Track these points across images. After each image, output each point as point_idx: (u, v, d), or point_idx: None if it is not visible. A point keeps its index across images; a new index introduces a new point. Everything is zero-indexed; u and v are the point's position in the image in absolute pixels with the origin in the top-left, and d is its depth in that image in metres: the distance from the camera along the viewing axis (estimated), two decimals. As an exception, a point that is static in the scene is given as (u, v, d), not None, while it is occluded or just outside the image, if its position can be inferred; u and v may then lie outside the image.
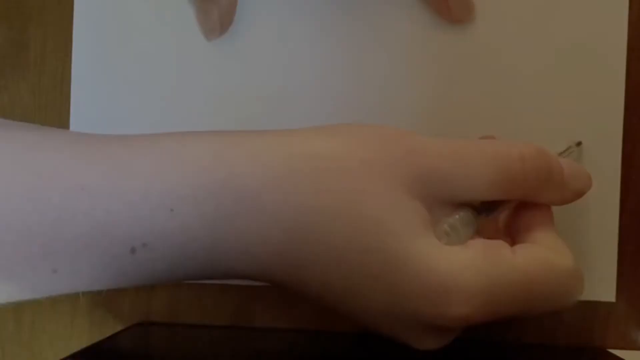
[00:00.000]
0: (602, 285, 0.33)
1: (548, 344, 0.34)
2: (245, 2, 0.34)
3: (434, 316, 0.24)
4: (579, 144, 0.33)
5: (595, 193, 0.33)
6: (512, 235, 0.28)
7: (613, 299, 0.33)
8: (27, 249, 0.23)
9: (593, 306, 0.34)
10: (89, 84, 0.35)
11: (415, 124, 0.34)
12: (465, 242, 0.26)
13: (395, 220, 0.24)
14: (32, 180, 0.23)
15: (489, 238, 0.26)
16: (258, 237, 0.24)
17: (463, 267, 0.24)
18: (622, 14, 0.33)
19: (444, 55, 0.34)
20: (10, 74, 0.36)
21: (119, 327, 0.35)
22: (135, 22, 0.35)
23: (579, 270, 0.26)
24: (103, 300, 0.35)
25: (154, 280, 0.25)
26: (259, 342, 0.34)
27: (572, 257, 0.26)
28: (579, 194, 0.29)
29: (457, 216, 0.26)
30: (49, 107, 0.36)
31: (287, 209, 0.24)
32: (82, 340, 0.35)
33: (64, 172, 0.23)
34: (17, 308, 0.35)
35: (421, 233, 0.24)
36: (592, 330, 0.34)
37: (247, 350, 0.33)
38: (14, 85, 0.36)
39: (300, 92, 0.34)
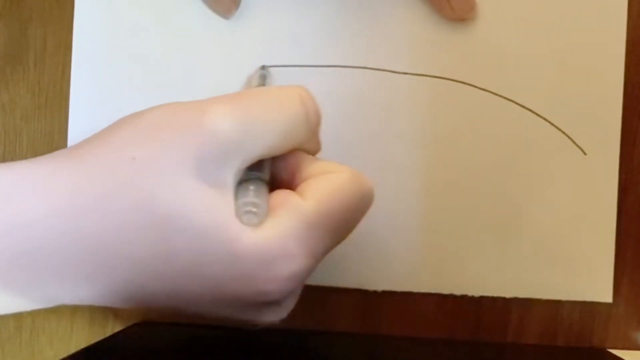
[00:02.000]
0: (599, 287, 0.34)
1: (548, 344, 0.34)
2: None
3: (262, 294, 0.24)
4: (263, 67, 0.33)
5: (594, 194, 0.33)
6: (284, 184, 0.27)
7: (610, 300, 0.34)
8: None
9: (592, 306, 0.34)
10: (89, 84, 0.35)
11: (416, 121, 0.34)
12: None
13: (186, 215, 0.23)
14: None
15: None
16: (68, 270, 0.24)
17: (270, 236, 0.24)
18: (621, 14, 0.34)
19: (444, 53, 0.34)
20: (10, 74, 0.36)
21: (118, 327, 0.35)
22: (135, 21, 0.35)
23: (355, 170, 0.26)
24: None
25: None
26: (259, 342, 0.33)
27: (344, 165, 0.26)
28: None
29: (250, 192, 0.25)
30: (48, 107, 0.36)
31: (85, 239, 0.23)
32: (82, 340, 0.35)
33: None
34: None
35: (217, 216, 0.23)
36: (591, 331, 0.34)
37: (246, 350, 0.33)
38: (14, 85, 0.36)
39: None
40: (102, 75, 0.35)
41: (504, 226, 0.34)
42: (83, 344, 0.35)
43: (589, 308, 0.34)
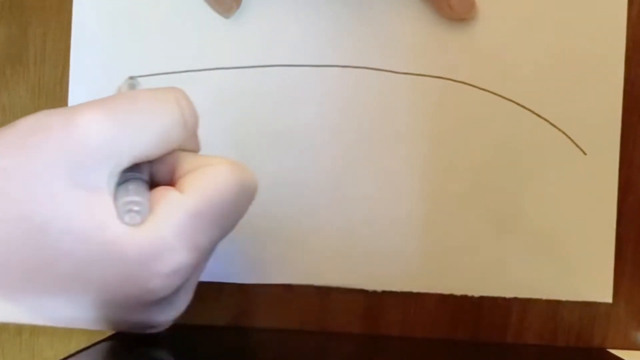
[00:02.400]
0: (599, 287, 0.34)
1: (548, 344, 0.34)
2: None
3: (148, 292, 0.24)
4: (132, 77, 0.33)
5: (594, 194, 0.33)
6: (164, 183, 0.27)
7: (610, 300, 0.34)
8: None
9: (592, 306, 0.34)
10: (89, 84, 0.35)
11: (416, 121, 0.34)
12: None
13: (61, 221, 0.23)
14: None
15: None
16: None
17: (149, 233, 0.24)
18: (621, 14, 0.34)
19: (444, 53, 0.34)
20: (10, 74, 0.36)
21: (118, 328, 0.35)
22: (134, 22, 0.35)
23: (235, 161, 0.26)
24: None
25: None
26: (259, 342, 0.34)
27: (223, 157, 0.26)
28: None
29: (130, 191, 0.24)
30: (48, 107, 0.35)
31: None
32: (82, 340, 0.35)
33: None
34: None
35: (94, 219, 0.23)
36: (591, 331, 0.34)
37: (247, 350, 0.33)
38: (14, 85, 0.36)
39: (298, 89, 0.35)
40: (101, 76, 0.35)
41: (504, 226, 0.34)
42: (83, 345, 0.34)
43: (589, 308, 0.34)
